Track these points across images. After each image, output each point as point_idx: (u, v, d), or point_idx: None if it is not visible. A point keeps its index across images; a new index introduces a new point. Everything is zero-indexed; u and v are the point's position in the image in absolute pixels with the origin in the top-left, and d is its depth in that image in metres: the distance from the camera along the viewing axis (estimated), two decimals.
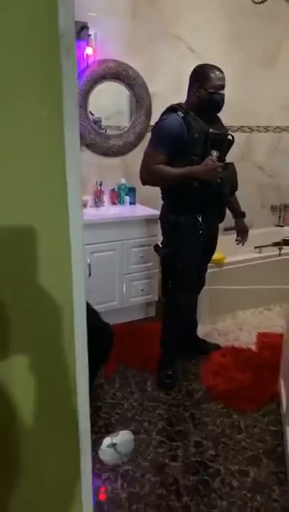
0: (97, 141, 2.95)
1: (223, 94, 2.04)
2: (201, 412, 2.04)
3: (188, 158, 2.01)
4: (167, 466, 1.71)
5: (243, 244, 2.49)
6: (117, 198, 3.06)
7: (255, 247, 3.07)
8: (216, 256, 2.50)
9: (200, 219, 2.12)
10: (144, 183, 2.12)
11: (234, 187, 2.28)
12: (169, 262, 2.16)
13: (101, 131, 2.99)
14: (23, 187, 0.65)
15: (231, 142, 2.18)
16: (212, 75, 2.00)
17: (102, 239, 2.69)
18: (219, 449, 1.80)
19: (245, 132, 3.53)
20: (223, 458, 1.75)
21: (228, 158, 2.22)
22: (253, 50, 3.35)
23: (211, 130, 2.02)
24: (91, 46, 2.70)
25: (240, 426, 1.94)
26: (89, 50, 2.69)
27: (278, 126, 3.66)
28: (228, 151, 2.19)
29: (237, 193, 2.38)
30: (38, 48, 0.57)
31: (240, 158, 3.56)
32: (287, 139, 3.71)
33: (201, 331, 2.67)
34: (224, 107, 2.08)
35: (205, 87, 2.00)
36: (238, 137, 3.48)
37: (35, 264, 0.70)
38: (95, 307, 2.32)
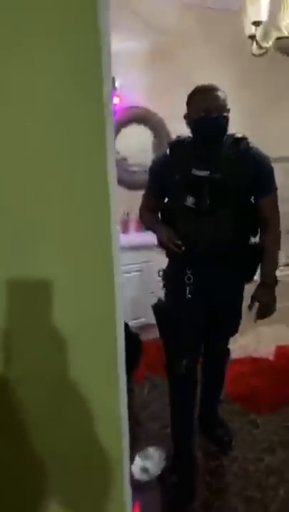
0: (123, 176, 3.35)
1: (215, 118, 1.58)
2: (221, 412, 2.27)
3: (174, 204, 1.75)
4: None
5: (255, 321, 1.83)
6: (140, 226, 3.42)
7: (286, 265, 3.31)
8: None
9: (189, 272, 1.72)
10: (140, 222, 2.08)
11: (222, 241, 1.68)
12: (160, 316, 1.87)
13: (128, 168, 3.39)
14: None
15: (225, 184, 1.62)
16: (194, 97, 1.65)
17: (131, 261, 3.03)
18: (238, 440, 2.03)
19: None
20: (241, 447, 1.98)
21: None
22: (263, 89, 3.73)
23: (193, 171, 1.63)
24: (117, 96, 3.13)
25: (257, 422, 2.16)
26: (116, 100, 3.13)
27: None
28: (226, 197, 1.64)
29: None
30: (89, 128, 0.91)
31: None
32: None
33: None
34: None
35: (189, 114, 1.66)
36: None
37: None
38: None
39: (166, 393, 2.44)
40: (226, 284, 1.77)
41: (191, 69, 3.47)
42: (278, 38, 2.26)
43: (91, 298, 1.02)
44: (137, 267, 3.05)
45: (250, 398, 2.38)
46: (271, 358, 2.82)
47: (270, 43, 2.35)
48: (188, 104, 1.67)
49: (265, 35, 2.42)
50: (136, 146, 3.47)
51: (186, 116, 1.67)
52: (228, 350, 2.02)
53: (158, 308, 1.87)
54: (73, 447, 1.09)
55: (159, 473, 1.88)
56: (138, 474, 1.86)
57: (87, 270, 1.00)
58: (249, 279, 1.82)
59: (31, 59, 0.83)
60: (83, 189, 0.94)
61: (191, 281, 1.72)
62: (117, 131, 3.23)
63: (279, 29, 2.21)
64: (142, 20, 3.28)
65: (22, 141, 0.87)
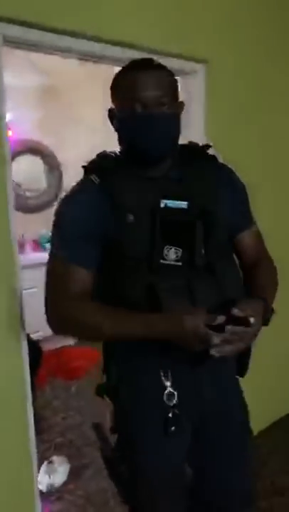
0: (18, 201, 3.64)
1: (155, 115, 0.96)
2: None
3: (120, 265, 1.00)
4: None
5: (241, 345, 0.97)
6: (38, 246, 3.72)
7: None
8: None
9: (168, 383, 1.01)
10: (56, 332, 1.12)
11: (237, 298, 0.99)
12: (116, 466, 1.13)
13: (21, 193, 3.70)
14: None
15: (218, 219, 1.01)
16: (123, 79, 1.01)
17: (28, 278, 3.27)
18: None
19: None
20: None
21: None
22: None
23: (162, 203, 0.97)
24: (9, 129, 3.43)
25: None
26: (8, 133, 3.43)
27: None
28: (219, 239, 1.04)
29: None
30: None
31: None
32: None
33: None
34: None
35: (115, 108, 1.05)
36: None
37: None
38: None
39: (65, 390, 2.79)
40: (226, 391, 1.10)
41: (76, 104, 3.91)
42: None
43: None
44: (34, 283, 3.32)
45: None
46: None
47: None
48: (112, 90, 1.04)
49: None
50: (29, 174, 3.78)
51: (109, 114, 1.05)
52: None
53: (109, 461, 1.16)
54: None
55: (65, 479, 1.99)
56: (44, 489, 1.92)
57: None
58: (245, 369, 1.11)
59: None
60: None
61: (175, 401, 0.99)
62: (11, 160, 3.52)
63: None
64: (30, 61, 3.66)
65: None
